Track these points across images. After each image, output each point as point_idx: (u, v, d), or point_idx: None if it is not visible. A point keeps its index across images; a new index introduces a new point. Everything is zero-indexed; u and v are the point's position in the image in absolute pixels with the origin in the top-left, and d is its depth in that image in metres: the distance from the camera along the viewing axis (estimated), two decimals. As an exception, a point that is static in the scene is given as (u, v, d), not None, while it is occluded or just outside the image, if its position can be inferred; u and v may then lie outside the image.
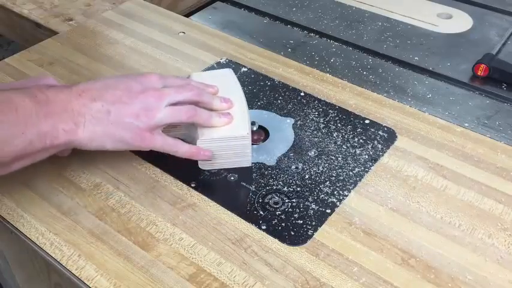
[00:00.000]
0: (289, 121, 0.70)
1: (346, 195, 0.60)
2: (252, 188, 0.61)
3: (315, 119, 0.71)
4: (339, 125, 0.70)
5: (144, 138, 0.57)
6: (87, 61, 0.82)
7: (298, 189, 0.61)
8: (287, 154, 0.65)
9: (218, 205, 0.59)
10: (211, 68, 0.80)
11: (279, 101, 0.74)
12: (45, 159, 0.65)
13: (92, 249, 0.55)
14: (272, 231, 0.56)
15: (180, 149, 0.60)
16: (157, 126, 0.58)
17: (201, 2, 1.06)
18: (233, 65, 0.81)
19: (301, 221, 0.57)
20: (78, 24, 0.93)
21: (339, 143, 0.67)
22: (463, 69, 0.87)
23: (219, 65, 0.81)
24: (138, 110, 0.57)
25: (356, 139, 0.68)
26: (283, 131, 0.69)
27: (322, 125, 0.70)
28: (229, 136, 0.61)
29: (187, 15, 1.01)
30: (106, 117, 0.56)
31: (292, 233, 0.56)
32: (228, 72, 0.70)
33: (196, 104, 0.61)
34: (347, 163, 0.64)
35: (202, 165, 0.63)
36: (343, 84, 0.77)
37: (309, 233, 0.56)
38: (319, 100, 0.74)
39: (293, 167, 0.64)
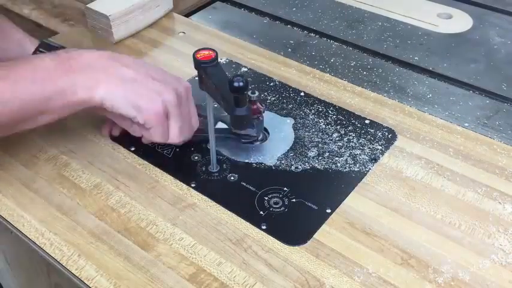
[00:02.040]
0: (289, 121, 0.70)
1: (346, 195, 0.60)
2: (252, 188, 0.61)
3: (315, 119, 0.71)
4: (339, 125, 0.70)
5: (155, 120, 0.59)
6: (87, 61, 0.82)
7: (298, 189, 0.61)
8: (287, 154, 0.65)
9: (218, 205, 0.59)
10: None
11: (279, 101, 0.74)
12: (45, 159, 0.65)
13: (92, 249, 0.55)
14: (272, 231, 0.56)
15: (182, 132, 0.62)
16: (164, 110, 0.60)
17: (201, 2, 1.06)
18: (233, 65, 0.81)
19: (301, 221, 0.57)
20: (77, 25, 0.93)
21: (339, 143, 0.67)
22: (463, 69, 0.87)
23: (219, 65, 0.81)
24: (163, 88, 0.59)
25: (356, 139, 0.68)
26: (283, 131, 0.69)
27: (322, 125, 0.70)
28: None
29: (187, 15, 1.01)
30: (130, 84, 0.58)
31: (292, 233, 0.56)
32: None
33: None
34: (347, 163, 0.64)
35: None
36: (343, 84, 0.77)
37: (309, 233, 0.56)
38: (319, 100, 0.74)
39: (293, 167, 0.64)
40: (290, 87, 0.76)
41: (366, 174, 0.63)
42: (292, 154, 0.65)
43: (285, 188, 0.61)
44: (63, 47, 0.71)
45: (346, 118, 0.71)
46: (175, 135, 0.61)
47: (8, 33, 0.71)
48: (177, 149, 0.66)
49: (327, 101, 0.74)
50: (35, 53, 0.70)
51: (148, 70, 0.61)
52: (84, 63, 0.57)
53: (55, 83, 0.55)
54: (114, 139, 0.68)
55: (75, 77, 0.56)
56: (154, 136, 0.61)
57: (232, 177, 0.63)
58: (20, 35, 0.72)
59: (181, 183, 0.62)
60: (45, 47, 0.71)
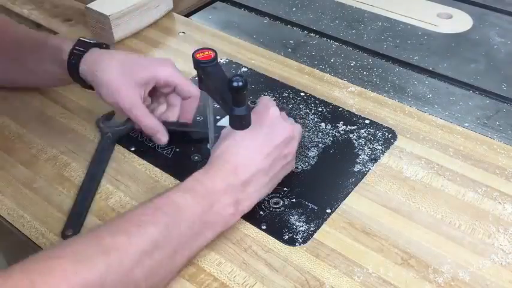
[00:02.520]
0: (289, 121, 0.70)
1: (346, 195, 0.60)
2: (252, 188, 0.61)
3: (315, 119, 0.71)
4: (339, 125, 0.70)
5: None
6: (87, 61, 0.81)
7: (298, 189, 0.61)
8: (287, 154, 0.65)
9: (218, 205, 0.59)
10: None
11: (279, 101, 0.74)
12: (45, 159, 0.65)
13: (92, 249, 0.55)
14: (272, 231, 0.56)
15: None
16: None
17: (201, 2, 1.06)
18: (233, 65, 0.81)
19: (301, 221, 0.57)
20: (77, 25, 0.93)
21: (339, 143, 0.67)
22: (463, 69, 0.87)
23: (219, 65, 0.81)
24: (287, 150, 0.59)
25: (356, 139, 0.67)
26: (283, 131, 0.69)
27: (322, 125, 0.70)
28: None
29: (187, 15, 1.01)
30: (266, 182, 0.58)
31: (292, 233, 0.56)
32: None
33: None
34: (347, 163, 0.64)
35: None
36: (343, 84, 0.77)
37: (309, 233, 0.56)
38: (319, 100, 0.74)
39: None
40: (290, 87, 0.76)
41: (366, 174, 0.63)
42: (292, 154, 0.65)
43: (285, 188, 0.61)
44: (102, 44, 0.67)
45: (346, 118, 0.71)
46: None
47: (44, 40, 0.68)
48: (177, 149, 0.66)
49: (327, 101, 0.74)
50: (71, 52, 0.64)
51: (271, 148, 0.58)
52: (219, 188, 0.54)
53: (203, 221, 0.52)
54: (114, 139, 0.68)
55: (217, 208, 0.53)
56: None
57: (232, 177, 0.63)
58: (55, 40, 0.68)
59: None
60: (82, 45, 0.66)
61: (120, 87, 0.62)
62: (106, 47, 0.68)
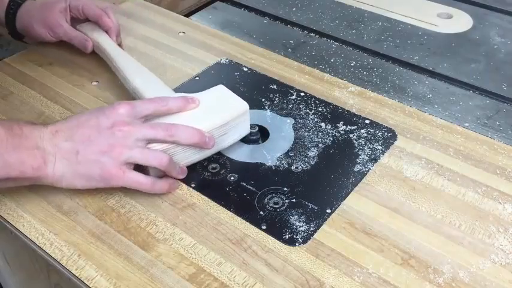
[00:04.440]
0: (289, 121, 0.70)
1: (346, 195, 0.60)
2: (252, 188, 0.61)
3: (315, 119, 0.71)
4: (339, 125, 0.70)
5: (113, 176, 0.56)
6: (87, 61, 0.82)
7: (298, 189, 0.61)
8: (287, 154, 0.65)
9: (218, 205, 0.59)
10: (211, 68, 0.80)
11: (279, 101, 0.74)
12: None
13: (92, 249, 0.55)
14: (272, 231, 0.56)
15: (154, 186, 0.59)
16: (126, 163, 0.57)
17: (201, 2, 1.06)
18: (233, 64, 0.81)
19: (301, 221, 0.57)
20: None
21: (339, 143, 0.67)
22: (463, 69, 0.87)
23: (219, 65, 0.81)
24: (105, 146, 0.56)
25: (356, 139, 0.67)
26: (283, 131, 0.69)
27: (322, 125, 0.70)
28: (231, 118, 0.63)
29: (187, 15, 1.01)
30: (75, 157, 0.56)
31: (292, 233, 0.56)
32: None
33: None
34: (347, 163, 0.64)
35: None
36: (343, 84, 0.77)
37: (309, 233, 0.56)
38: (319, 100, 0.74)
39: (293, 167, 0.64)
40: (290, 87, 0.76)
41: (366, 174, 0.63)
42: (292, 154, 0.65)
43: (285, 188, 0.61)
44: None
45: (346, 118, 0.71)
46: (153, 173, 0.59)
47: None
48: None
49: (327, 101, 0.74)
50: (9, 3, 0.78)
51: (93, 125, 0.57)
52: (34, 142, 0.56)
53: (3, 157, 0.54)
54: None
55: (22, 156, 0.55)
56: (173, 173, 0.61)
57: (232, 177, 0.63)
58: None
59: (181, 183, 0.62)
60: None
61: (46, 16, 0.77)
62: None
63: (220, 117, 0.63)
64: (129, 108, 0.58)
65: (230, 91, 0.66)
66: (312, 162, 0.64)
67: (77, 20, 0.81)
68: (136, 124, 0.58)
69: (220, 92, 0.66)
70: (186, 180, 0.62)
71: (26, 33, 0.81)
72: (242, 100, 0.65)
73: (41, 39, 0.80)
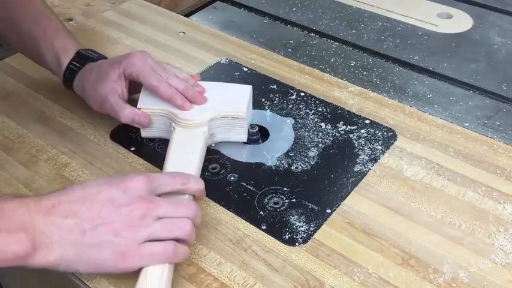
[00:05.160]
0: (289, 121, 0.70)
1: (346, 195, 0.60)
2: (252, 188, 0.61)
3: (315, 119, 0.71)
4: (339, 125, 0.70)
5: (127, 256, 0.48)
6: (87, 61, 0.82)
7: (298, 189, 0.61)
8: (287, 154, 0.65)
9: (218, 205, 0.59)
10: (211, 68, 0.80)
11: (279, 101, 0.74)
12: (45, 159, 0.65)
13: (92, 249, 0.55)
14: (272, 231, 0.56)
15: (178, 251, 0.50)
16: (145, 241, 0.49)
17: (201, 2, 1.06)
18: (233, 64, 0.81)
19: (301, 221, 0.57)
20: (78, 24, 0.93)
21: (339, 143, 0.67)
22: (463, 69, 0.87)
23: (219, 65, 0.81)
24: (120, 225, 0.48)
25: (356, 139, 0.67)
26: (283, 131, 0.69)
27: (322, 125, 0.70)
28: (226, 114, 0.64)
29: (187, 15, 1.01)
30: (80, 237, 0.47)
31: (292, 233, 0.56)
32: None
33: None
34: (347, 163, 0.64)
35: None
36: (343, 84, 0.77)
37: (309, 233, 0.56)
38: (319, 100, 0.74)
39: (293, 167, 0.64)
40: (290, 87, 0.76)
41: (366, 174, 0.63)
42: (292, 154, 0.65)
43: (285, 188, 0.61)
44: (100, 57, 0.70)
45: (346, 118, 0.71)
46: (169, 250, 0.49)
47: (49, 44, 0.69)
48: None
49: (327, 101, 0.74)
50: (67, 69, 0.68)
51: (104, 200, 0.49)
52: (19, 222, 0.46)
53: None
54: (114, 139, 0.68)
55: (3, 240, 0.45)
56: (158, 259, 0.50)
57: (232, 177, 0.63)
58: (60, 44, 0.69)
59: (181, 183, 0.62)
60: (79, 59, 0.68)
61: (98, 90, 0.64)
62: (103, 57, 0.70)
63: (217, 111, 0.64)
64: (147, 181, 0.50)
65: (249, 96, 0.67)
66: (312, 162, 0.64)
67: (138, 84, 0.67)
68: (157, 200, 0.50)
69: (243, 92, 0.67)
70: (186, 180, 0.62)
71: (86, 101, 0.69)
72: (246, 105, 0.65)
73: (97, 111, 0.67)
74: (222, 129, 0.65)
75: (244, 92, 0.67)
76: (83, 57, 0.69)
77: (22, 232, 0.45)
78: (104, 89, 0.64)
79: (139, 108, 0.64)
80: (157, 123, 0.65)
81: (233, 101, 0.66)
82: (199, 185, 0.55)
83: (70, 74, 0.68)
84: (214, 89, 0.67)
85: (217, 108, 0.64)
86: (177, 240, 0.50)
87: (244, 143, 0.67)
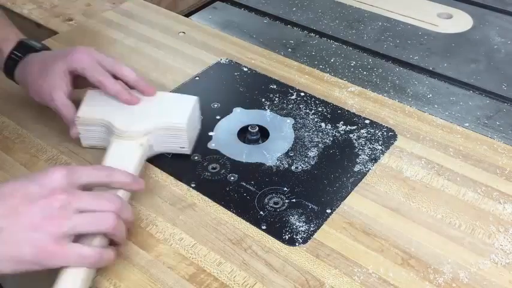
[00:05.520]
0: (289, 121, 0.70)
1: (346, 195, 0.60)
2: (252, 188, 0.61)
3: (315, 119, 0.71)
4: (339, 125, 0.70)
5: (50, 253, 0.46)
6: (87, 61, 0.82)
7: (298, 189, 0.61)
8: (287, 154, 0.65)
9: (218, 205, 0.59)
10: (211, 68, 0.80)
11: (279, 101, 0.74)
12: (45, 159, 0.65)
13: (92, 249, 0.55)
14: (272, 231, 0.56)
15: (103, 257, 0.49)
16: (68, 236, 0.47)
17: (201, 2, 1.06)
18: (233, 64, 0.81)
19: (301, 221, 0.57)
20: (78, 24, 0.93)
21: (339, 143, 0.67)
22: (463, 69, 0.87)
23: (219, 65, 0.81)
24: (38, 219, 0.46)
25: (356, 139, 0.67)
26: (283, 131, 0.69)
27: (322, 125, 0.70)
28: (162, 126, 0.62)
29: (187, 15, 1.01)
30: None
31: (292, 233, 0.56)
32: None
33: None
34: (347, 163, 0.64)
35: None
36: (343, 84, 0.77)
37: (309, 233, 0.56)
38: (319, 100, 0.74)
39: (293, 167, 0.64)
40: (290, 87, 0.76)
41: (366, 174, 0.63)
42: (292, 154, 0.65)
43: (285, 188, 0.61)
44: (42, 47, 0.69)
45: (346, 118, 0.71)
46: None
47: None
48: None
49: (326, 100, 0.74)
50: (8, 57, 0.67)
51: (21, 195, 0.47)
52: None
53: None
54: (114, 139, 0.68)
55: None
56: (119, 237, 0.51)
57: (232, 177, 0.63)
58: (1, 33, 0.68)
59: (181, 183, 0.62)
60: (21, 49, 0.67)
61: (41, 85, 0.64)
62: (46, 48, 0.70)
63: (156, 122, 0.62)
64: (66, 173, 0.49)
65: (193, 107, 0.65)
66: (312, 162, 0.64)
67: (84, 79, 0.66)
68: (77, 192, 0.49)
69: (187, 103, 0.65)
70: (186, 180, 0.62)
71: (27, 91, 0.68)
72: (186, 118, 0.63)
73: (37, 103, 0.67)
74: (163, 141, 0.63)
75: (189, 102, 0.65)
76: (25, 47, 0.68)
77: None
78: (48, 85, 0.63)
79: (78, 117, 0.63)
80: (97, 132, 0.64)
81: (174, 112, 0.64)
82: (125, 177, 0.53)
83: (11, 63, 0.67)
84: (157, 99, 0.66)
85: (156, 118, 0.63)
86: (106, 236, 0.50)
87: (245, 143, 0.67)
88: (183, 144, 0.64)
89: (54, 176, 0.48)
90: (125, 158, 0.60)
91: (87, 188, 0.51)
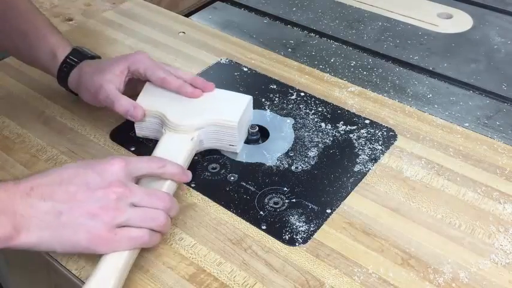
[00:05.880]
0: (289, 121, 0.70)
1: (346, 195, 0.60)
2: (252, 188, 0.61)
3: (315, 119, 0.71)
4: (339, 125, 0.70)
5: (103, 240, 0.49)
6: (87, 61, 0.82)
7: (298, 189, 0.61)
8: (287, 154, 0.65)
9: (218, 205, 0.59)
10: (211, 68, 0.80)
11: (279, 101, 0.74)
12: (45, 159, 0.65)
13: (92, 249, 0.55)
14: (272, 231, 0.56)
15: (152, 238, 0.52)
16: (120, 226, 0.50)
17: (201, 2, 1.06)
18: (233, 64, 0.81)
19: (301, 221, 0.57)
20: (78, 24, 0.93)
21: (339, 143, 0.67)
22: (463, 69, 0.87)
23: (219, 65, 0.81)
24: (95, 208, 0.49)
25: (356, 139, 0.67)
26: (283, 131, 0.69)
27: (322, 125, 0.70)
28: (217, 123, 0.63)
29: (187, 15, 1.01)
30: (57, 219, 0.48)
31: (292, 233, 0.56)
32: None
33: None
34: (347, 163, 0.64)
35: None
36: (343, 84, 0.77)
37: (309, 233, 0.56)
38: (319, 100, 0.74)
39: (293, 167, 0.64)
40: (290, 87, 0.76)
41: (366, 174, 0.63)
42: (292, 154, 0.65)
43: (285, 188, 0.61)
44: (96, 56, 0.70)
45: (346, 118, 0.71)
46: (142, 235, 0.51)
47: (42, 39, 0.69)
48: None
49: (326, 100, 0.74)
50: (64, 62, 0.68)
51: (80, 183, 0.50)
52: (1, 207, 0.47)
53: None
54: (114, 139, 0.68)
55: None
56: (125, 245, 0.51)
57: (232, 177, 0.63)
58: (53, 39, 0.69)
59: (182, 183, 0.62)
60: (77, 55, 0.68)
61: (98, 83, 0.64)
62: (98, 57, 0.71)
63: (208, 118, 0.63)
64: (125, 165, 0.52)
65: (246, 106, 0.65)
66: (312, 162, 0.64)
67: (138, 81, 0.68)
68: (132, 187, 0.52)
69: (241, 101, 0.66)
70: (186, 180, 0.62)
71: (79, 95, 0.70)
72: (238, 116, 0.63)
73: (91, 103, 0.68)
74: (213, 137, 0.64)
75: (243, 101, 0.66)
76: (81, 54, 0.69)
77: (3, 215, 0.47)
78: (100, 79, 0.64)
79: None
80: (151, 123, 0.65)
81: (227, 109, 0.64)
82: (176, 169, 0.56)
83: (66, 68, 0.68)
84: (211, 96, 0.67)
85: (209, 115, 0.64)
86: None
87: (244, 143, 0.67)
88: (233, 142, 0.65)
89: (114, 168, 0.51)
90: (175, 150, 0.61)
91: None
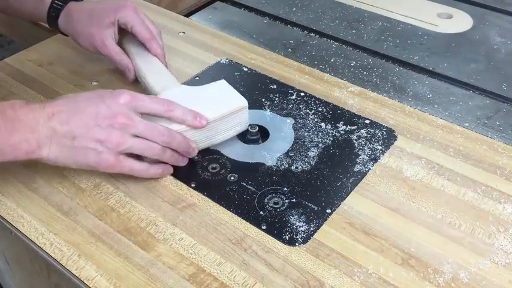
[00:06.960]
0: (290, 121, 0.70)
1: (346, 195, 0.60)
2: (252, 188, 0.61)
3: (315, 119, 0.71)
4: (339, 125, 0.70)
5: (109, 164, 0.58)
6: (87, 61, 0.82)
7: (298, 189, 0.61)
8: (287, 154, 0.65)
9: (218, 205, 0.59)
10: (211, 68, 0.80)
11: (279, 101, 0.74)
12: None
13: (92, 249, 0.55)
14: (272, 231, 0.56)
15: (149, 171, 0.61)
16: (123, 153, 0.58)
17: (201, 2, 1.06)
18: (233, 64, 0.81)
19: (301, 221, 0.57)
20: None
21: (339, 143, 0.67)
22: (463, 69, 0.87)
23: (219, 65, 0.81)
24: (103, 136, 0.57)
25: (356, 139, 0.67)
26: (284, 131, 0.69)
27: (322, 125, 0.70)
28: (228, 112, 0.64)
29: (187, 15, 1.01)
30: (71, 142, 0.57)
31: (292, 233, 0.56)
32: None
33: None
34: (347, 163, 0.64)
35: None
36: (343, 84, 0.77)
37: (309, 233, 0.56)
38: (319, 100, 0.74)
39: (293, 167, 0.64)
40: (290, 87, 0.76)
41: (366, 174, 0.63)
42: (292, 154, 0.65)
43: (285, 188, 0.61)
44: None
45: (346, 118, 0.71)
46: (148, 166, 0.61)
47: None
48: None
49: (326, 100, 0.74)
50: (50, 7, 0.75)
51: (91, 112, 0.58)
52: (30, 126, 0.56)
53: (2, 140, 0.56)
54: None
55: (17, 140, 0.55)
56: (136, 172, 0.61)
57: (232, 177, 0.63)
58: None
59: (181, 183, 0.62)
60: None
61: (92, 33, 0.73)
62: None
63: (218, 110, 0.64)
64: (131, 99, 0.59)
65: (231, 87, 0.68)
66: (312, 162, 0.64)
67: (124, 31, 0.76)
68: (135, 119, 0.58)
69: (222, 87, 0.68)
70: (186, 180, 0.62)
71: (71, 37, 0.78)
72: (241, 96, 0.66)
73: (85, 49, 0.77)
74: (224, 128, 0.65)
75: (224, 86, 0.68)
76: None
77: (31, 134, 0.56)
78: (99, 33, 0.73)
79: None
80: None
81: (226, 98, 0.66)
82: (184, 116, 0.61)
83: (54, 13, 0.75)
84: (197, 92, 0.68)
85: (216, 109, 0.64)
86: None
87: (245, 143, 0.67)
88: (244, 122, 0.67)
89: (122, 100, 0.58)
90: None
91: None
